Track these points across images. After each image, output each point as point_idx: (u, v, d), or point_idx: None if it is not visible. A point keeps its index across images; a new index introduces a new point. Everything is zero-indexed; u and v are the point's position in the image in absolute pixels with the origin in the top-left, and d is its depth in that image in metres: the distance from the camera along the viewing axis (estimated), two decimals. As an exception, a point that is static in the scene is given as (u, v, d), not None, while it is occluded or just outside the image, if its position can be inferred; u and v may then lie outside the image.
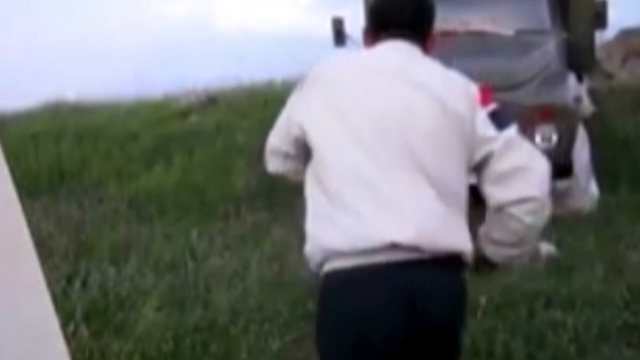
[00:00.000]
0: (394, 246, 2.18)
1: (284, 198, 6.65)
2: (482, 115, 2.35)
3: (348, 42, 8.17)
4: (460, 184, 2.33)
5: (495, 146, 2.33)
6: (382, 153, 2.25)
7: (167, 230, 7.02)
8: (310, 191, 2.36)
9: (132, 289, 5.31)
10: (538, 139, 6.67)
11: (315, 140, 2.32)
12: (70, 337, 4.28)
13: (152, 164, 9.62)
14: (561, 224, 6.52)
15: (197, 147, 9.84)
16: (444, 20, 7.60)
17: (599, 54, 10.63)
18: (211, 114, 11.75)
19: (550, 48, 7.49)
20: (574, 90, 7.42)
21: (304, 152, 2.40)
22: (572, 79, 7.52)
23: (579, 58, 7.99)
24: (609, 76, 11.91)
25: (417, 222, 2.21)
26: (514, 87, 6.77)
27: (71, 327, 4.51)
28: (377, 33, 2.47)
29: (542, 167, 2.37)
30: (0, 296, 1.76)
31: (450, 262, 2.27)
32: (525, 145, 2.39)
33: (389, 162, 2.25)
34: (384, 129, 2.26)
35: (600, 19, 8.10)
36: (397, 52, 2.41)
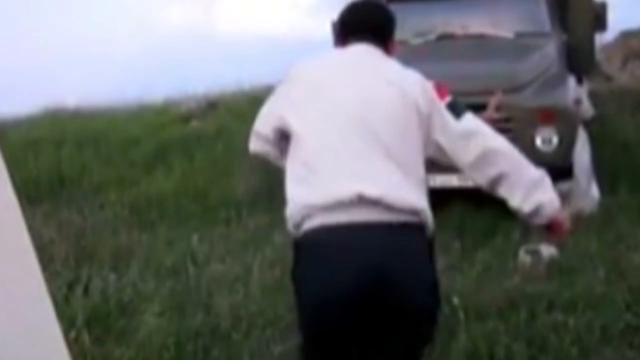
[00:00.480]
0: (361, 200, 2.49)
1: (286, 202, 6.63)
2: (441, 107, 2.79)
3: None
4: (418, 161, 2.72)
5: (458, 132, 2.78)
6: (351, 134, 2.63)
7: (168, 236, 7.01)
8: (290, 164, 2.71)
9: (134, 295, 5.30)
10: (538, 141, 6.66)
11: (295, 125, 2.70)
12: (72, 344, 4.27)
13: (152, 169, 9.60)
14: (562, 226, 6.54)
15: (197, 152, 9.83)
16: (444, 24, 7.71)
17: (599, 56, 10.62)
18: (212, 119, 11.74)
19: (550, 50, 7.48)
20: (574, 92, 7.42)
21: (281, 141, 2.79)
22: (572, 81, 7.52)
23: (578, 60, 7.99)
24: (608, 78, 11.91)
25: (379, 182, 2.56)
26: (514, 90, 6.77)
27: (73, 334, 4.50)
28: (345, 37, 2.95)
29: (501, 143, 2.82)
30: (1, 303, 1.76)
31: (415, 228, 2.59)
32: (482, 128, 2.82)
33: (357, 141, 2.62)
34: (354, 114, 2.65)
35: (599, 21, 8.10)
36: (364, 52, 2.86)
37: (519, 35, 7.61)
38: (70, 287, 5.50)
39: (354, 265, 2.46)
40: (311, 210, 2.55)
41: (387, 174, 2.58)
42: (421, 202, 2.61)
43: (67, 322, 4.51)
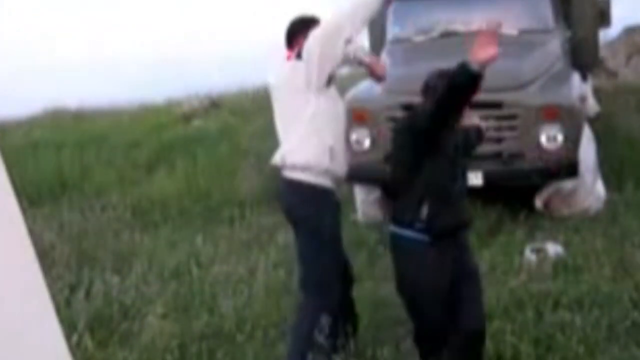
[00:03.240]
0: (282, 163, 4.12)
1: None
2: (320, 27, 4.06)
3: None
4: (314, 119, 4.03)
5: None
6: (279, 116, 4.25)
7: (171, 237, 7.00)
8: None
9: (137, 298, 5.30)
10: (543, 139, 6.61)
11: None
12: (74, 348, 4.26)
13: (154, 170, 9.60)
14: (568, 224, 6.51)
15: (200, 152, 9.82)
16: (447, 21, 7.67)
17: (603, 52, 10.60)
18: (214, 118, 11.74)
19: (554, 47, 7.44)
20: (579, 89, 7.38)
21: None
22: (576, 78, 7.48)
23: (583, 57, 7.95)
24: (613, 74, 11.89)
25: (286, 151, 4.09)
26: (518, 87, 6.73)
27: (75, 338, 4.49)
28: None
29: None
30: (2, 307, 1.74)
31: (301, 182, 4.03)
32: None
33: (280, 118, 4.23)
34: (279, 102, 4.21)
35: (603, 17, 8.07)
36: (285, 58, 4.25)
37: (523, 32, 7.56)
38: (72, 290, 5.49)
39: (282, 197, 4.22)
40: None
41: (290, 144, 4.07)
42: (305, 156, 3.99)
43: (69, 326, 4.50)
